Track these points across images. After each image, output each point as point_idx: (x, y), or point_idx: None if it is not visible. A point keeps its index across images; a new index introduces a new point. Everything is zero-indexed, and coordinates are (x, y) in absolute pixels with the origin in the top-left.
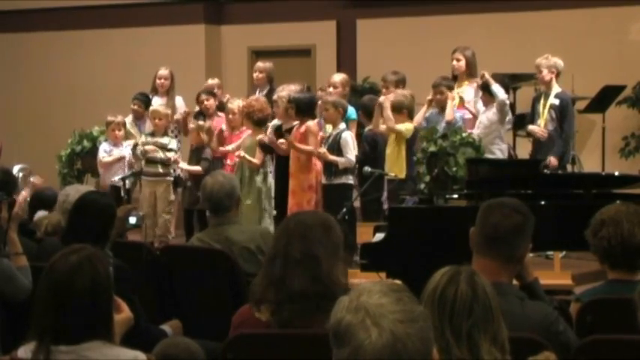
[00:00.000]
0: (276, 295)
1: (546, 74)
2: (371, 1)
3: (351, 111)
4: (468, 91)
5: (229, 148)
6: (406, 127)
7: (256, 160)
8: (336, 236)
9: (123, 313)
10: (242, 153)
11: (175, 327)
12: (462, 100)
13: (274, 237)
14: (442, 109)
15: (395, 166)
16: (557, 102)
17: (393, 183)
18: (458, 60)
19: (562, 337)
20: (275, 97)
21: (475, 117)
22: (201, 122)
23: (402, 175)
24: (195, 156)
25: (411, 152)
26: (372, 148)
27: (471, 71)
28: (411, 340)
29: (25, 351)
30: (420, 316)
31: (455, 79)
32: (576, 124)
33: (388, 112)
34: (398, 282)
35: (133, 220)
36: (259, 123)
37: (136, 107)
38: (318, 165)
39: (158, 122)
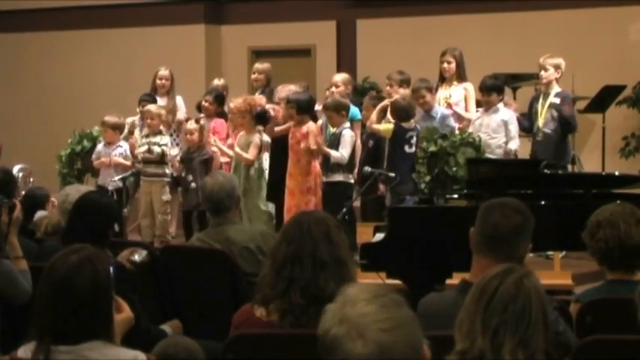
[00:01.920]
0: (301, 298)
1: (552, 73)
2: (371, 1)
3: (356, 112)
4: (456, 91)
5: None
6: (385, 127)
7: (249, 156)
8: (345, 237)
9: (123, 313)
10: (236, 149)
11: (175, 327)
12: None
13: (288, 236)
14: (427, 111)
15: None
16: (557, 100)
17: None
18: (449, 62)
19: (562, 337)
20: (276, 99)
21: (461, 118)
22: (202, 122)
23: None
24: (192, 157)
25: (394, 152)
26: (375, 148)
27: (459, 72)
28: (397, 347)
29: (25, 351)
30: (405, 320)
31: (442, 80)
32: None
33: (372, 113)
34: (396, 282)
35: (136, 257)
36: (257, 122)
37: (144, 109)
38: (317, 167)
39: (150, 122)
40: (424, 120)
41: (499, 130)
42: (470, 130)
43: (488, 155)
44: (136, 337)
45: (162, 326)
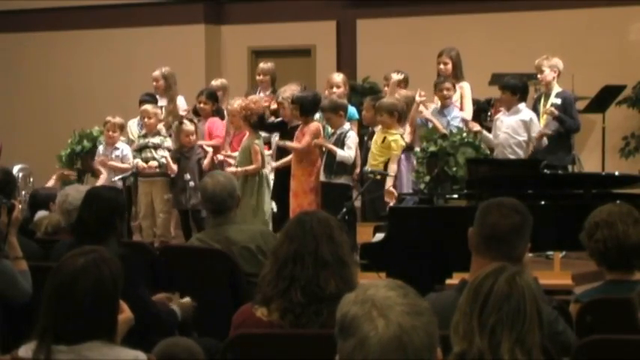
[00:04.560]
0: (302, 296)
1: (548, 74)
2: (371, 1)
3: (353, 111)
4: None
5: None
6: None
7: (254, 166)
8: (347, 238)
9: (123, 314)
10: (236, 169)
11: (185, 305)
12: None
13: (290, 235)
14: (443, 107)
15: (377, 166)
16: (558, 101)
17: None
18: (445, 63)
19: (561, 337)
20: (279, 99)
21: (464, 120)
22: (188, 127)
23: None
24: (184, 156)
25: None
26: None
27: (456, 72)
28: (417, 332)
29: (26, 350)
30: (426, 310)
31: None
32: None
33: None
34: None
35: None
36: (256, 126)
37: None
38: (318, 167)
39: (147, 121)
40: (436, 117)
41: (519, 131)
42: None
43: (509, 155)
44: (147, 321)
45: (172, 306)
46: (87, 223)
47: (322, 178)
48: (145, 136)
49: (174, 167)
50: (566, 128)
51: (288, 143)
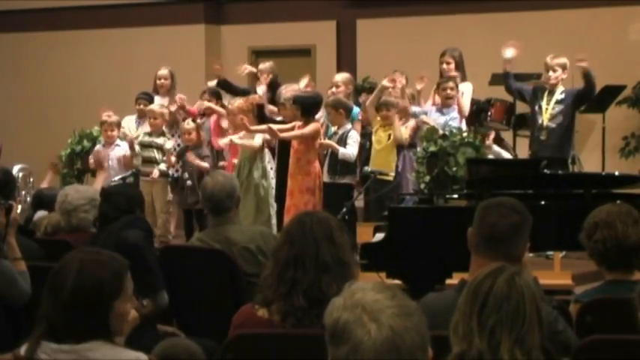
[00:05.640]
0: (304, 300)
1: (560, 74)
2: (371, 1)
3: (357, 111)
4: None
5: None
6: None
7: (255, 143)
8: (347, 238)
9: None
10: (238, 141)
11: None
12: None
13: (290, 237)
14: (445, 106)
15: (385, 164)
16: (562, 96)
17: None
18: (448, 63)
19: (561, 336)
20: (282, 99)
21: (461, 115)
22: (189, 123)
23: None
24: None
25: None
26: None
27: (459, 72)
28: (409, 333)
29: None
30: (415, 310)
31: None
32: (576, 123)
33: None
34: (396, 282)
35: None
36: (259, 115)
37: (141, 106)
38: (317, 167)
39: (154, 122)
40: (436, 115)
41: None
42: None
43: None
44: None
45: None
46: (109, 216)
47: (326, 178)
48: (150, 134)
49: (173, 160)
50: (589, 90)
51: (288, 134)
